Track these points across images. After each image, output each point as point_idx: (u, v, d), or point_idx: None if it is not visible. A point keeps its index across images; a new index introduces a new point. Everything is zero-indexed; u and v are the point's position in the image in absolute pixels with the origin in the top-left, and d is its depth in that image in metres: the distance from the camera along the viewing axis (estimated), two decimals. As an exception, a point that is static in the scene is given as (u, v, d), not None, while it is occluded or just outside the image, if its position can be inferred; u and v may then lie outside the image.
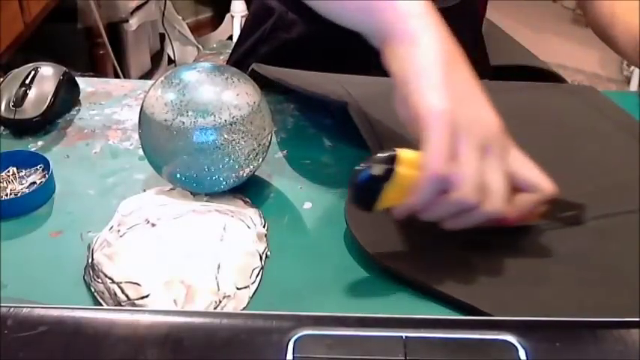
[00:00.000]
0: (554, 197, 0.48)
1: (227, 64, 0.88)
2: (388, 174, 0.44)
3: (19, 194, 0.55)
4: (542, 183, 0.48)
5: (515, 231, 0.50)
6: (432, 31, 0.47)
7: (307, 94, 0.63)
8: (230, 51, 0.91)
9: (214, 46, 2.35)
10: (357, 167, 0.44)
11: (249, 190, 0.56)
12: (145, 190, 0.56)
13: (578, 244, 0.51)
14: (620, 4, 0.73)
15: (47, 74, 0.67)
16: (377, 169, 0.44)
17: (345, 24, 0.53)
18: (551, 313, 0.44)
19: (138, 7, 2.05)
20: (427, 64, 0.46)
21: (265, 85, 0.62)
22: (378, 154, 0.45)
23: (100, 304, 0.45)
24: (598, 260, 0.49)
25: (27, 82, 0.65)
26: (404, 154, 0.45)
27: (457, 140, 0.44)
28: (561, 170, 0.59)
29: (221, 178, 0.52)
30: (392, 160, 0.44)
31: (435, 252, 0.49)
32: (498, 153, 0.45)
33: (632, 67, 2.38)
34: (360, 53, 0.68)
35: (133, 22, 2.03)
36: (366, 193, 0.45)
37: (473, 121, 0.45)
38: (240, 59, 0.84)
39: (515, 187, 0.47)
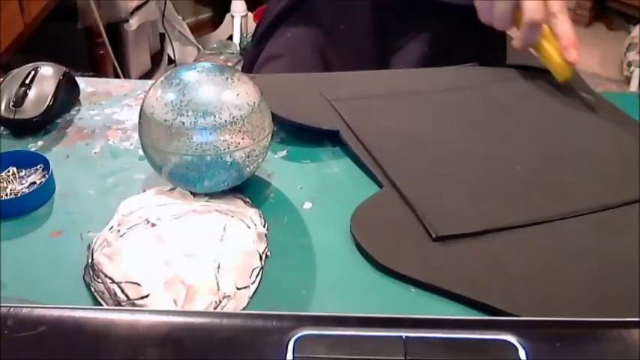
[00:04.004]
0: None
1: (255, 34, 0.92)
2: None
3: (19, 194, 0.55)
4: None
5: None
6: None
7: (299, 126, 0.64)
8: (230, 51, 0.93)
9: (214, 46, 2.35)
10: None
11: (249, 190, 0.56)
12: (144, 190, 0.56)
13: (583, 237, 0.51)
14: None
15: (47, 74, 0.67)
16: None
17: None
18: (560, 308, 0.45)
19: (138, 7, 2.05)
20: None
21: None
22: None
23: (100, 304, 0.45)
24: (602, 253, 0.50)
25: (27, 82, 0.65)
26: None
27: None
28: (556, 165, 0.59)
29: (221, 178, 0.52)
30: None
31: (436, 251, 0.49)
32: None
33: (632, 67, 2.38)
34: None
35: (133, 22, 2.03)
36: None
37: None
38: (272, 24, 0.90)
39: None
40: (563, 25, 0.67)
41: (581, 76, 0.72)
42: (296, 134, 0.65)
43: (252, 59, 0.93)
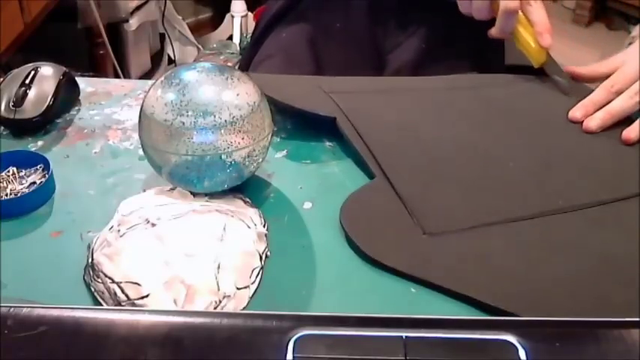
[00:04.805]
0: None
1: (255, 33, 0.93)
2: None
3: (19, 194, 0.55)
4: None
5: None
6: None
7: (297, 110, 0.64)
8: (230, 51, 0.93)
9: (214, 46, 2.34)
10: None
11: (249, 190, 0.56)
12: (144, 190, 0.56)
13: (575, 232, 0.51)
14: None
15: (47, 74, 0.67)
16: None
17: None
18: (550, 303, 0.45)
19: (138, 7, 2.04)
20: None
21: None
22: None
23: (100, 304, 0.45)
24: (594, 248, 0.50)
25: (27, 82, 0.65)
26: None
27: None
28: (550, 162, 0.60)
29: (221, 178, 0.52)
30: None
31: (433, 248, 0.49)
32: None
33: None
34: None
35: (133, 22, 2.03)
36: None
37: None
38: (271, 23, 0.90)
39: None
40: (538, 12, 0.71)
41: (555, 62, 0.73)
42: (296, 133, 0.65)
43: (248, 60, 0.93)
